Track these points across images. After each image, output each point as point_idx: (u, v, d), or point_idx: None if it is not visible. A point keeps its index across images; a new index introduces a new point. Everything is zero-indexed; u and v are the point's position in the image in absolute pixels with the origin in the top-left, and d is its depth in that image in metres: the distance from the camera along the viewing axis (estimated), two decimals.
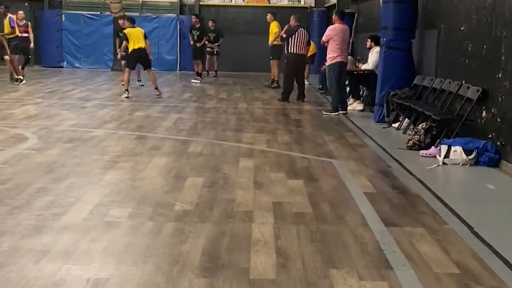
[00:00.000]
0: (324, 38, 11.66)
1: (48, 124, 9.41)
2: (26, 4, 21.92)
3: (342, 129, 9.90)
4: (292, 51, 13.31)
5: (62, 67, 21.82)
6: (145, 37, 13.50)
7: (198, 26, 18.32)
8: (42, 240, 4.20)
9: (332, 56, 11.53)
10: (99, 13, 21.67)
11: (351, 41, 13.56)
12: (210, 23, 19.46)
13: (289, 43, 13.35)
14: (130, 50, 13.31)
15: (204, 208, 5.12)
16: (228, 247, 4.20)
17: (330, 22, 13.49)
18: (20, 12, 16.87)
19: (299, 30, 13.32)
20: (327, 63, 11.75)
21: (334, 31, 11.53)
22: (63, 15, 21.96)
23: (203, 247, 4.16)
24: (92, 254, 3.99)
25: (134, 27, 13.61)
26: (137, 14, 22.19)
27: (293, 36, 13.25)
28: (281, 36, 13.54)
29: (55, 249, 4.02)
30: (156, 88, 13.71)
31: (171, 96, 14.11)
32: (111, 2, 21.17)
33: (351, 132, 9.53)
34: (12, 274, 3.62)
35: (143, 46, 13.29)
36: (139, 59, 13.53)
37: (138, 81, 16.04)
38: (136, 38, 13.24)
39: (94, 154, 7.29)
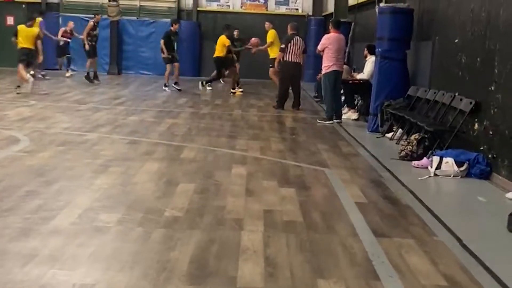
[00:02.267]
0: (319, 47, 11.71)
1: (41, 126, 9.39)
2: (23, 6, 21.91)
3: (336, 137, 9.91)
4: (288, 59, 13.33)
5: (58, 69, 21.76)
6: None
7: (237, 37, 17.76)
8: (30, 244, 4.18)
9: (327, 65, 11.57)
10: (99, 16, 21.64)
11: (347, 50, 13.58)
12: (236, 32, 18.36)
13: (285, 51, 13.37)
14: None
15: (194, 214, 5.11)
16: (217, 254, 4.19)
17: (327, 31, 13.52)
18: (71, 22, 19.50)
19: (294, 38, 13.34)
20: (322, 72, 11.79)
21: (329, 40, 11.57)
22: (60, 18, 21.94)
23: (192, 254, 4.15)
24: (79, 259, 3.97)
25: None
26: (135, 18, 22.26)
27: (289, 44, 13.28)
28: (280, 47, 13.55)
29: (42, 253, 4.01)
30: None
31: (167, 101, 14.10)
32: (108, 6, 21.18)
33: (344, 141, 9.54)
34: None
35: None
36: None
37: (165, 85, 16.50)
38: None
39: (86, 158, 7.28)
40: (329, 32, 11.90)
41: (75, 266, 3.83)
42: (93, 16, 18.74)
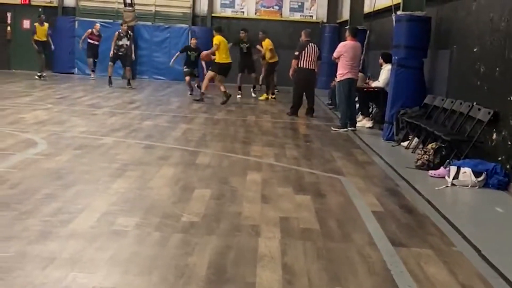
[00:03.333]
0: (335, 54, 11.69)
1: (58, 130, 9.45)
2: (40, 9, 22.06)
3: (351, 145, 9.89)
4: (302, 66, 13.33)
5: (73, 73, 21.92)
6: None
7: (247, 39, 17.53)
8: (49, 247, 4.19)
9: (342, 72, 11.53)
10: (112, 21, 21.78)
11: (362, 58, 13.56)
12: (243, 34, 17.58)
13: (299, 58, 13.38)
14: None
15: (211, 220, 5.11)
16: (234, 261, 4.19)
17: (342, 38, 13.53)
18: (97, 24, 20.46)
19: (309, 45, 13.34)
20: (337, 79, 11.77)
21: (345, 48, 11.56)
22: (76, 22, 22.09)
23: (209, 260, 4.15)
24: (98, 262, 3.98)
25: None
26: (150, 23, 22.36)
27: (303, 51, 13.28)
28: (294, 54, 13.58)
29: (61, 256, 4.02)
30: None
31: (181, 106, 14.13)
32: (124, 11, 21.29)
33: (359, 149, 9.52)
34: (18, 279, 3.62)
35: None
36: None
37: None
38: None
39: (102, 161, 7.31)
40: (345, 40, 11.89)
41: (94, 269, 3.84)
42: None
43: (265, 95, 16.87)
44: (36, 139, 8.46)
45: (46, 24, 19.27)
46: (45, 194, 5.57)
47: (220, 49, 14.93)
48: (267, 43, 17.13)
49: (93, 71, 20.13)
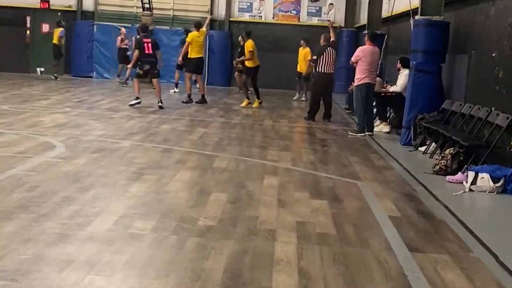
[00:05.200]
0: (353, 59, 11.66)
1: (76, 133, 9.52)
2: (59, 13, 22.28)
3: (368, 150, 9.85)
4: (320, 70, 13.32)
5: (91, 77, 22.09)
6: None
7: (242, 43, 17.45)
8: (67, 249, 4.23)
9: (360, 77, 11.50)
10: (130, 25, 21.91)
11: (379, 62, 13.53)
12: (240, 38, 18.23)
13: (317, 62, 13.37)
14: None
15: (227, 224, 5.12)
16: (251, 265, 4.19)
17: (359, 42, 13.49)
18: (123, 28, 21.01)
19: (327, 49, 13.33)
20: (355, 84, 11.73)
21: (363, 52, 11.53)
22: (94, 26, 22.26)
23: (225, 264, 4.15)
24: (115, 265, 4.00)
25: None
26: (168, 27, 22.47)
27: (322, 56, 13.27)
28: (312, 58, 13.57)
29: (78, 259, 4.04)
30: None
31: (198, 110, 14.18)
32: (142, 15, 21.42)
33: (376, 154, 9.48)
34: (36, 282, 3.65)
35: None
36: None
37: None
38: None
39: (120, 165, 7.35)
40: (363, 44, 11.86)
41: (111, 273, 3.86)
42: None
43: (246, 101, 15.72)
44: (54, 142, 8.53)
45: (59, 28, 20.39)
46: (63, 197, 5.61)
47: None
48: (248, 44, 15.59)
49: (117, 76, 20.50)
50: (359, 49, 11.81)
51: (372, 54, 11.58)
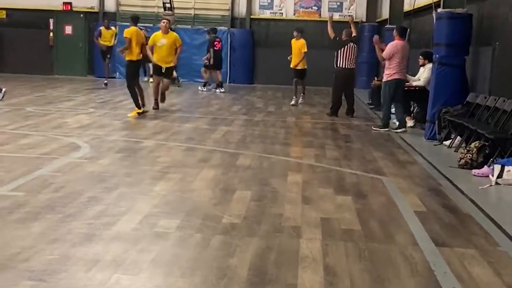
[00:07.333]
0: (385, 56, 11.28)
1: (100, 133, 9.59)
2: (81, 15, 22.47)
3: (392, 145, 9.79)
4: (341, 66, 13.25)
5: (114, 77, 22.20)
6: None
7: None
8: (93, 249, 4.26)
9: (390, 73, 11.27)
10: (151, 25, 21.98)
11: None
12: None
13: (338, 58, 13.29)
14: None
15: (252, 222, 5.12)
16: (276, 262, 4.18)
17: (381, 37, 13.35)
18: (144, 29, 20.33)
19: (348, 44, 13.25)
20: (384, 79, 11.48)
21: (396, 48, 11.23)
22: (117, 27, 22.38)
23: (251, 261, 4.16)
24: (141, 264, 4.02)
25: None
26: (189, 26, 22.53)
27: (342, 51, 13.18)
28: (334, 37, 13.52)
29: (104, 258, 4.08)
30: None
31: (221, 109, 14.21)
32: (164, 15, 21.48)
33: (401, 149, 9.41)
34: (62, 281, 3.69)
35: None
36: None
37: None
38: None
39: (144, 164, 7.40)
40: (388, 39, 11.69)
41: (137, 271, 3.89)
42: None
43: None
44: (79, 143, 8.61)
45: (112, 29, 19.63)
46: (89, 197, 5.66)
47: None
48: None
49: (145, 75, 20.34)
50: (391, 44, 11.50)
51: (404, 49, 11.34)
